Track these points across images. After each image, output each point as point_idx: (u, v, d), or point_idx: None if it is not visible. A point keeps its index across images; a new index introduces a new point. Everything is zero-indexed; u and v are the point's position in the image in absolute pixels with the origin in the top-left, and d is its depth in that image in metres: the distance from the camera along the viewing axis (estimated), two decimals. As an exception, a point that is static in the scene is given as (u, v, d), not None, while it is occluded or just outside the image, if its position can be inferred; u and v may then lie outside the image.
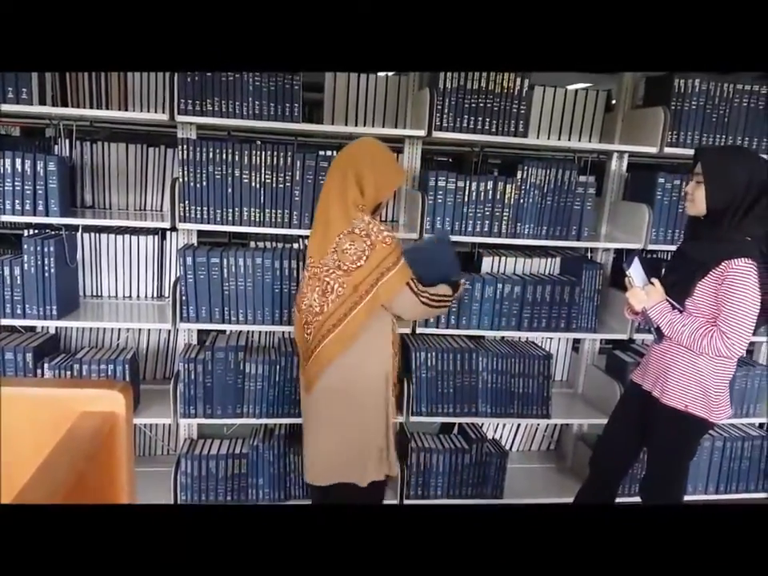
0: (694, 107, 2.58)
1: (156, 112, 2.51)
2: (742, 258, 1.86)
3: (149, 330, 2.85)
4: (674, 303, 1.99)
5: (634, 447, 2.26)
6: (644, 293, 2.02)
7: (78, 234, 2.65)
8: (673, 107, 2.56)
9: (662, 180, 2.63)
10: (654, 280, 2.04)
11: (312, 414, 2.08)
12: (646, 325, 2.13)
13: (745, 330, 1.86)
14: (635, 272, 2.04)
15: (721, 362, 1.99)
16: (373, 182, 1.90)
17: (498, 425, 3.13)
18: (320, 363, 1.98)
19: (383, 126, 2.70)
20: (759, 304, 1.87)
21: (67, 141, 2.66)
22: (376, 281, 1.87)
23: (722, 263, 1.88)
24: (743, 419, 2.94)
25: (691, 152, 2.60)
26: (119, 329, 2.82)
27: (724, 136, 2.62)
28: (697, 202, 1.95)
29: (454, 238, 2.62)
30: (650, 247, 2.65)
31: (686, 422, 2.05)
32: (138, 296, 2.79)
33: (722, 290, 1.88)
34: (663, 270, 2.17)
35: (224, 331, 2.73)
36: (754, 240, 1.89)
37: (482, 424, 3.00)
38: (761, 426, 3.10)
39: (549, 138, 2.75)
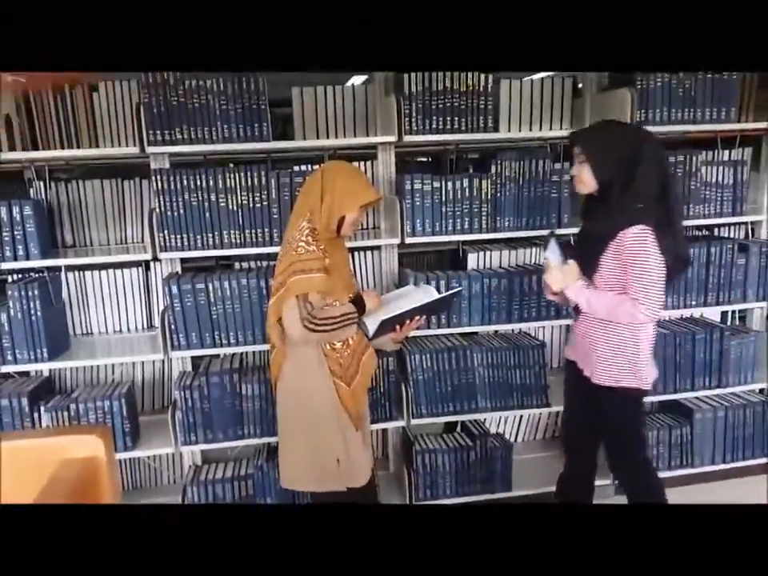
0: (659, 84, 2.59)
1: (127, 145, 2.51)
2: (637, 225, 1.92)
3: (142, 362, 2.85)
4: (589, 282, 2.05)
5: (592, 419, 2.26)
6: (561, 274, 2.06)
7: (62, 274, 2.65)
8: (639, 86, 2.57)
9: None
10: (570, 261, 2.09)
11: (279, 421, 2.16)
12: (565, 305, 2.16)
13: (655, 292, 1.92)
14: (552, 254, 2.09)
15: (640, 329, 2.05)
16: (329, 199, 1.97)
17: (500, 418, 3.13)
18: (273, 369, 2.11)
19: (354, 136, 2.71)
20: (663, 266, 1.93)
21: (42, 182, 2.66)
22: (287, 278, 1.92)
23: (619, 234, 1.94)
24: (742, 386, 2.94)
25: (663, 128, 2.64)
26: (112, 364, 2.82)
27: (692, 110, 2.63)
28: (585, 181, 2.01)
29: (436, 239, 2.64)
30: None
31: (622, 397, 2.11)
32: (128, 329, 2.79)
33: (624, 259, 1.94)
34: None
35: (217, 355, 2.73)
36: (645, 206, 1.94)
37: (485, 419, 3.00)
38: (761, 391, 3.11)
39: (520, 130, 2.75)
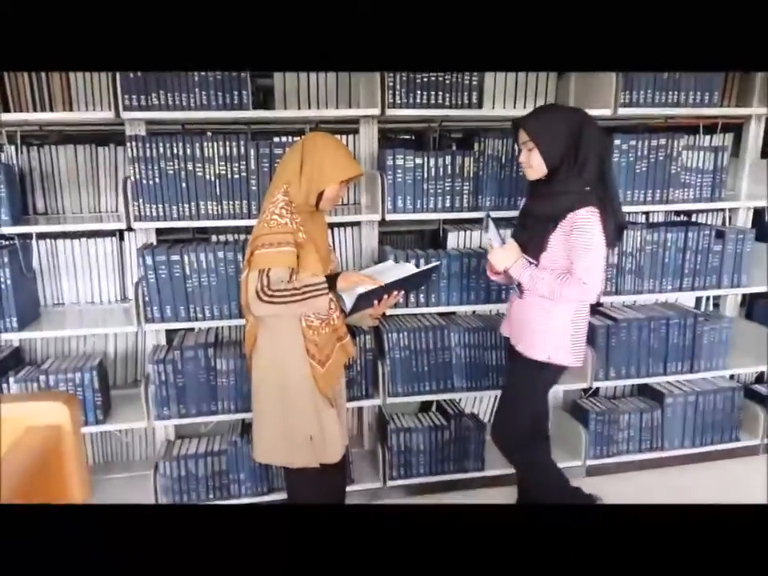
0: (644, 67, 2.58)
1: (102, 110, 2.44)
2: (585, 207, 1.99)
3: (115, 334, 2.80)
4: (530, 260, 2.09)
5: None
6: (503, 252, 2.09)
7: (33, 242, 2.58)
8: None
9: (617, 141, 2.63)
10: (509, 239, 2.15)
11: (252, 395, 2.14)
12: (506, 283, 2.27)
13: (597, 273, 2.02)
14: (492, 234, 2.13)
15: (576, 309, 2.13)
16: (308, 171, 1.93)
17: (475, 399, 3.14)
18: (247, 343, 2.09)
19: (336, 107, 2.66)
20: (604, 247, 2.03)
21: (13, 147, 2.57)
22: (254, 250, 1.90)
23: (568, 215, 2.01)
24: (714, 372, 2.99)
25: (646, 111, 2.64)
26: (84, 336, 2.76)
27: (675, 92, 2.62)
28: (535, 166, 2.05)
29: (417, 216, 2.61)
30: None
31: (547, 371, 2.20)
32: (101, 300, 2.74)
33: (570, 239, 2.01)
34: (512, 231, 2.28)
35: (192, 329, 2.69)
36: (591, 188, 2.01)
37: (460, 399, 3.01)
38: (731, 377, 3.16)
39: (504, 108, 2.73)
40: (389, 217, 2.55)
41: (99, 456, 2.91)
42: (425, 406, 3.02)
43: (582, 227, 2.00)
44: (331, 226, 2.60)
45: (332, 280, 1.97)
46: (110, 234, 2.67)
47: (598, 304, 2.92)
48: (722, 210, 3.13)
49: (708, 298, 3.27)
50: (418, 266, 2.24)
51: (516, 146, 2.21)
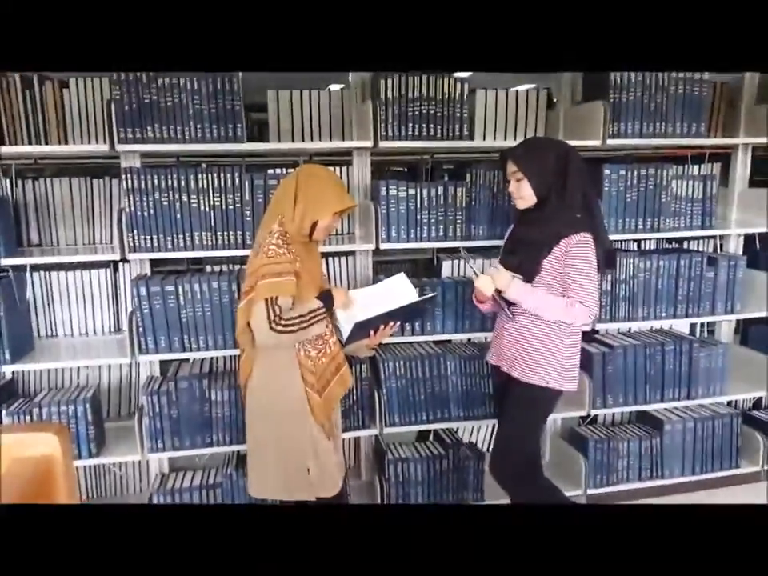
0: (632, 98, 2.63)
1: (97, 143, 2.47)
2: (579, 233, 2.06)
3: (109, 365, 2.78)
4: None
5: None
6: (490, 278, 2.11)
7: (27, 274, 2.58)
8: (612, 100, 2.60)
9: (607, 171, 2.67)
10: (496, 263, 2.19)
11: (247, 427, 2.11)
12: (492, 311, 2.29)
13: (596, 295, 2.09)
14: (474, 264, 2.19)
15: (571, 332, 2.17)
16: (303, 202, 1.95)
17: (472, 428, 3.12)
18: (242, 374, 2.07)
19: (330, 140, 2.70)
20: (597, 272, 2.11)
21: (8, 180, 2.59)
22: (256, 281, 1.90)
23: (562, 240, 2.06)
24: (711, 398, 2.98)
25: (634, 141, 2.68)
26: (78, 367, 2.74)
27: (663, 123, 2.67)
28: (525, 197, 2.11)
29: (410, 245, 2.63)
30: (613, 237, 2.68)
31: (545, 397, 2.21)
32: (95, 332, 2.72)
33: (565, 263, 2.06)
34: (500, 257, 2.30)
35: (187, 360, 2.68)
36: (582, 216, 2.10)
37: (457, 428, 2.99)
38: (729, 403, 3.15)
39: (495, 140, 2.77)
40: (383, 246, 2.57)
41: (93, 490, 2.87)
42: (422, 436, 3.00)
43: (578, 252, 2.05)
44: (326, 255, 2.61)
45: (323, 296, 2.00)
46: (105, 265, 2.67)
47: (594, 331, 2.92)
48: (713, 237, 3.15)
49: (703, 325, 3.28)
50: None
51: (504, 178, 2.24)
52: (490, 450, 2.49)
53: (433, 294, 2.25)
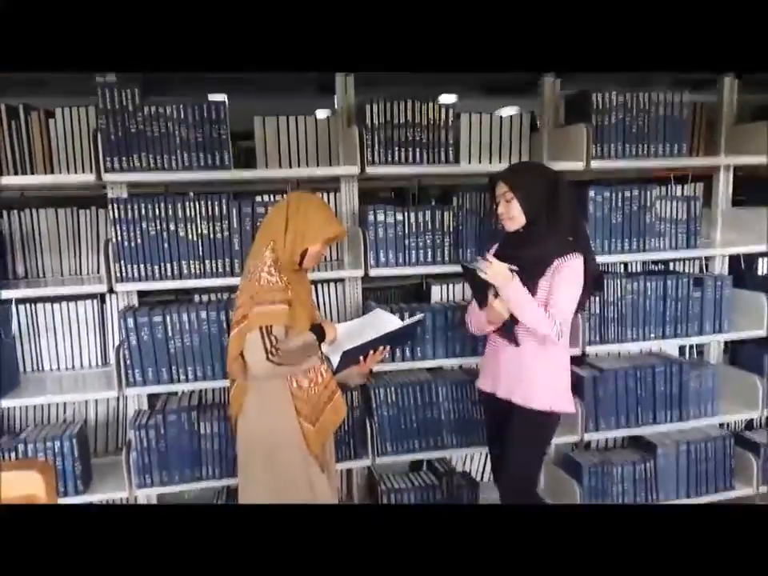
0: (614, 121, 2.68)
1: (83, 173, 2.46)
2: (573, 254, 2.11)
3: (96, 400, 2.73)
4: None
5: None
6: (498, 268, 2.09)
7: (12, 307, 2.54)
8: (594, 122, 2.65)
9: (592, 193, 2.70)
10: (490, 257, 2.15)
11: (239, 461, 2.08)
12: (483, 333, 2.30)
13: (570, 317, 2.15)
14: (480, 264, 2.14)
15: (566, 354, 2.23)
16: (293, 230, 1.95)
17: (466, 456, 3.08)
18: (233, 405, 2.04)
19: (317, 166, 2.71)
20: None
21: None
22: (249, 309, 1.88)
23: (555, 260, 2.10)
24: (703, 419, 2.97)
25: (617, 164, 2.72)
26: (64, 402, 2.69)
27: (645, 144, 2.71)
28: (515, 218, 2.14)
29: (399, 271, 2.63)
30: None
31: (548, 420, 2.22)
32: (82, 365, 2.68)
33: (554, 282, 2.10)
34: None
35: (175, 392, 2.64)
36: (574, 238, 2.15)
37: (451, 457, 2.95)
38: (720, 425, 3.13)
39: (480, 163, 2.80)
40: (372, 272, 2.57)
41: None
42: (415, 466, 2.96)
43: (571, 273, 2.10)
44: (315, 282, 2.60)
45: (315, 329, 1.98)
46: (91, 296, 2.63)
47: (583, 354, 2.91)
48: (699, 258, 3.18)
49: (691, 346, 3.29)
50: (402, 319, 2.23)
51: (492, 200, 2.26)
52: (492, 476, 2.49)
53: (418, 317, 2.22)
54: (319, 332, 1.98)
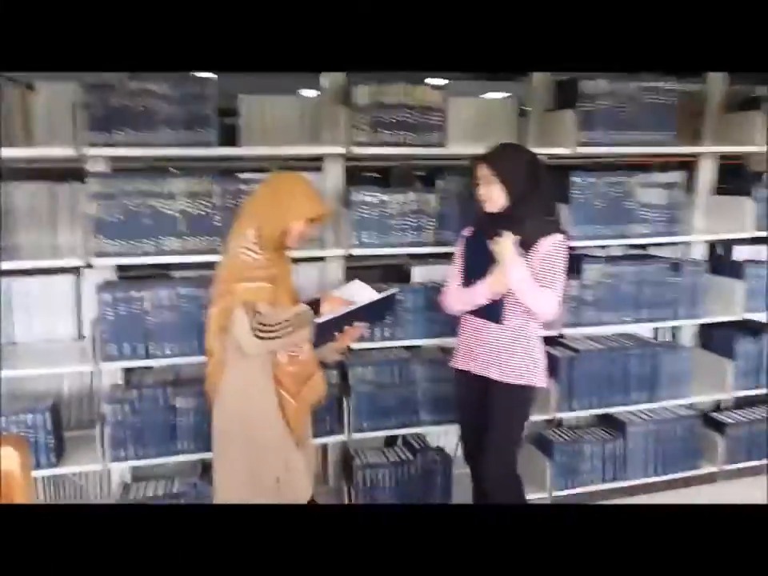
0: (602, 107, 2.66)
1: (63, 146, 2.38)
2: (557, 234, 2.17)
3: (71, 373, 2.70)
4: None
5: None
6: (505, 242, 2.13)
7: (-14, 279, 2.48)
8: (581, 108, 2.63)
9: (578, 179, 2.70)
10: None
11: (214, 436, 2.07)
12: (463, 312, 2.32)
13: (561, 294, 2.19)
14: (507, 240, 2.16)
15: (539, 331, 2.29)
16: (276, 207, 1.93)
17: (440, 433, 3.12)
18: (210, 380, 2.04)
19: (302, 145, 2.65)
20: None
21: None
22: (232, 285, 1.88)
23: (540, 240, 2.14)
24: (674, 401, 3.04)
25: (604, 150, 2.71)
26: (38, 375, 2.65)
27: (632, 132, 2.71)
28: (495, 199, 2.15)
29: (382, 251, 2.62)
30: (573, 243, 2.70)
31: (526, 394, 2.28)
32: (56, 338, 2.63)
33: (542, 262, 2.14)
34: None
35: (151, 368, 2.62)
36: (555, 218, 2.22)
37: (426, 433, 2.99)
38: (690, 406, 3.22)
39: (467, 147, 2.76)
40: (354, 251, 2.55)
41: (51, 500, 2.78)
42: (390, 441, 3.00)
43: (557, 252, 2.16)
44: (296, 261, 2.56)
45: (313, 305, 1.97)
46: (68, 270, 2.58)
47: (560, 335, 2.95)
48: (678, 243, 3.22)
49: (666, 329, 3.35)
50: None
51: (473, 181, 2.24)
52: (464, 456, 2.51)
53: (393, 291, 2.18)
54: (315, 307, 1.98)
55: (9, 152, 2.37)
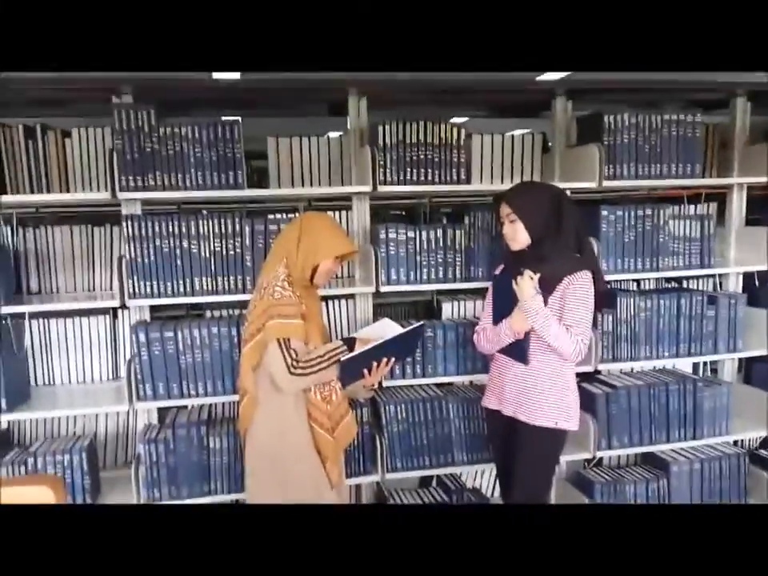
0: (626, 141, 2.66)
1: (99, 191, 2.48)
2: (583, 272, 2.14)
3: (106, 413, 2.74)
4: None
5: None
6: (527, 282, 2.12)
7: (25, 321, 2.56)
8: (606, 143, 2.64)
9: (605, 212, 2.69)
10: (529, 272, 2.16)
11: (246, 476, 2.07)
12: (493, 352, 2.30)
13: (589, 333, 2.16)
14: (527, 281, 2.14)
15: (572, 372, 2.25)
16: (305, 246, 1.97)
17: (476, 472, 3.06)
18: (243, 419, 2.04)
19: (330, 185, 2.72)
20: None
21: (9, 228, 2.60)
22: (264, 322, 1.90)
23: (565, 278, 2.13)
24: (717, 438, 2.94)
25: (630, 183, 2.71)
26: (75, 416, 2.70)
27: (658, 165, 2.70)
28: (519, 238, 2.16)
29: (411, 288, 2.63)
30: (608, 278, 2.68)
31: (555, 437, 2.23)
32: (93, 379, 2.69)
33: (566, 301, 2.12)
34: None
35: (185, 407, 2.65)
36: (581, 255, 2.19)
37: (461, 473, 2.94)
38: (735, 443, 3.10)
39: (492, 183, 2.80)
40: (383, 288, 2.57)
41: (86, 543, 2.79)
42: (425, 481, 2.95)
43: (580, 290, 2.12)
44: (326, 298, 2.60)
45: (346, 341, 2.00)
46: (104, 311, 2.65)
47: (596, 371, 2.89)
48: (712, 276, 3.16)
49: (705, 364, 3.26)
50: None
51: (497, 220, 2.27)
52: (500, 494, 2.46)
53: (419, 324, 2.19)
54: (350, 346, 2.00)
55: (47, 197, 2.48)
